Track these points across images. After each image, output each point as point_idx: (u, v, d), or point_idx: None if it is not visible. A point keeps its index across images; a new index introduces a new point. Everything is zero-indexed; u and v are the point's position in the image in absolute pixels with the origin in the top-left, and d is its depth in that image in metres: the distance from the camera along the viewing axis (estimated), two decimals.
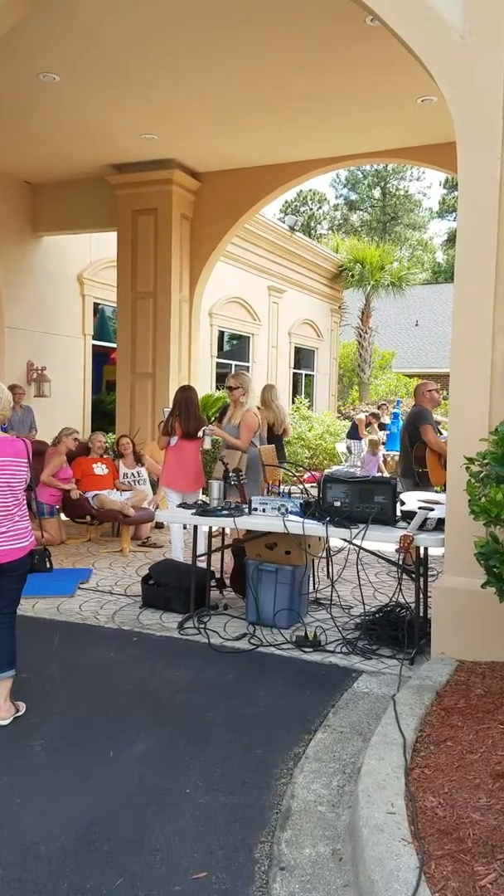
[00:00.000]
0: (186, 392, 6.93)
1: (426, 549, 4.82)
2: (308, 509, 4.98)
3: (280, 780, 3.07)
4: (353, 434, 13.89)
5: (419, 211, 45.50)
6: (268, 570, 5.13)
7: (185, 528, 6.80)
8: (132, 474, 8.24)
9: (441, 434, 6.76)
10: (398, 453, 7.45)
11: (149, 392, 9.70)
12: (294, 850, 2.58)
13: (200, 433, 6.60)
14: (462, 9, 4.18)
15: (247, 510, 5.21)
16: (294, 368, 17.97)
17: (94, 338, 12.04)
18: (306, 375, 18.91)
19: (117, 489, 7.96)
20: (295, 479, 9.54)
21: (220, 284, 13.37)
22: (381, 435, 13.21)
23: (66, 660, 4.45)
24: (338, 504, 4.86)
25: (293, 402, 16.50)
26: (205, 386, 13.24)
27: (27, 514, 3.76)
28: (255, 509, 5.15)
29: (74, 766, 3.18)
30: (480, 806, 2.56)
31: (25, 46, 6.27)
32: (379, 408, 15.59)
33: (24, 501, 3.73)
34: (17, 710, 3.65)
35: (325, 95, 7.20)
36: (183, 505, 5.94)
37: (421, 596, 4.74)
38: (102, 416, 11.93)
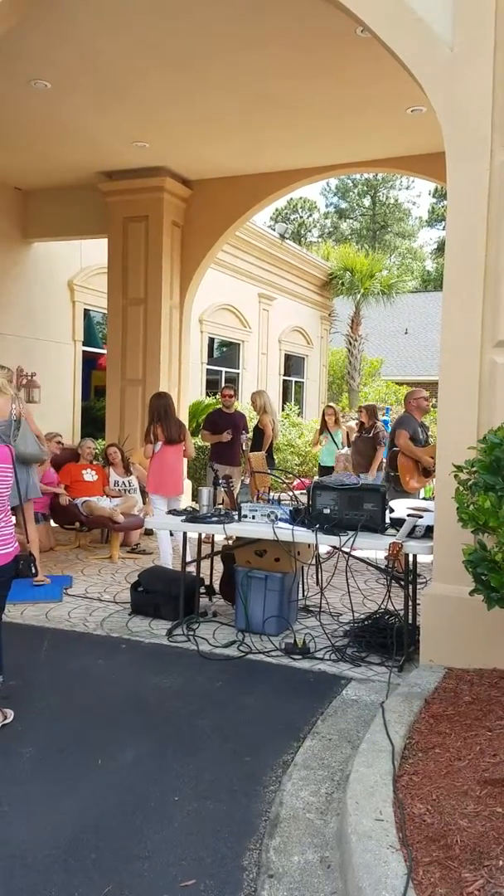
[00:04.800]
0: (164, 399, 7.02)
1: (415, 556, 4.85)
2: (297, 516, 5.00)
3: (269, 787, 3.07)
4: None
5: (409, 220, 45.76)
6: (257, 577, 5.13)
7: (171, 534, 6.83)
8: (123, 482, 8.22)
9: (424, 442, 6.86)
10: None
11: (139, 398, 9.70)
12: (282, 857, 2.58)
13: None
14: (451, 21, 4.22)
15: (236, 517, 5.21)
16: (284, 375, 18.01)
17: (83, 343, 12.03)
18: (296, 382, 18.95)
19: (107, 496, 7.94)
20: (284, 485, 9.55)
21: (210, 291, 13.40)
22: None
23: (54, 667, 4.43)
24: (327, 511, 4.88)
25: (283, 409, 16.53)
26: (195, 392, 13.25)
27: (11, 519, 3.76)
28: (245, 516, 5.15)
29: (62, 773, 3.16)
30: (468, 813, 2.57)
31: (17, 53, 6.28)
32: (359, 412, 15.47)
33: (9, 507, 3.73)
34: (5, 718, 3.63)
35: (316, 105, 7.24)
36: (173, 512, 5.94)
37: (410, 603, 4.75)
38: (92, 422, 11.92)
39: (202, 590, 5.79)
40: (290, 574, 5.18)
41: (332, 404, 10.37)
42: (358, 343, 21.35)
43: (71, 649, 4.75)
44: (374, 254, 22.73)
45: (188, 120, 7.67)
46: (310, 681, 4.29)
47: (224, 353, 15.88)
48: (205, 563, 6.02)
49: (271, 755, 3.35)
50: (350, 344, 21.48)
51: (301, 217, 44.34)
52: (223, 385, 9.25)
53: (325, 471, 9.10)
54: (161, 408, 6.86)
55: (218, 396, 11.21)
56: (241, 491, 8.54)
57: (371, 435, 8.64)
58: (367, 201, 45.24)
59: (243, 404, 12.73)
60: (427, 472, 6.66)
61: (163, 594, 5.43)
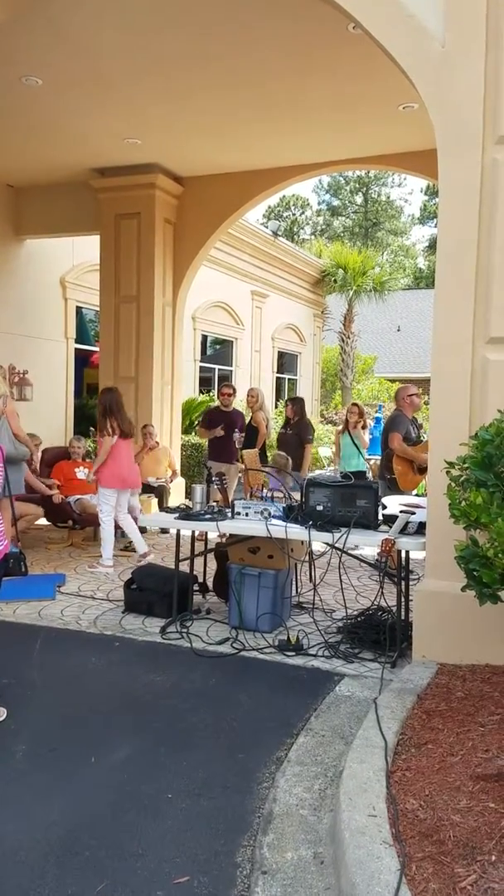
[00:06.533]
0: (114, 393, 7.10)
1: (407, 552, 4.86)
2: (291, 513, 5.00)
3: (262, 784, 3.08)
4: None
5: (401, 217, 45.81)
6: (251, 575, 5.14)
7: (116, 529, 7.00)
8: None
9: (417, 439, 6.84)
10: (380, 458, 7.50)
11: (132, 396, 9.67)
12: (276, 853, 2.59)
13: None
14: (443, 17, 4.22)
15: (230, 514, 5.21)
16: (277, 373, 18.01)
17: (75, 341, 12.01)
18: (289, 380, 18.96)
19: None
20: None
21: (203, 289, 13.38)
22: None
23: (47, 665, 4.43)
24: (320, 508, 4.88)
25: (276, 407, 16.54)
26: (188, 390, 13.24)
27: (1, 518, 3.75)
28: (238, 513, 5.16)
29: (56, 772, 3.16)
30: (461, 808, 2.58)
31: (7, 50, 6.24)
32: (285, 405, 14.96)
33: None
34: None
35: (308, 102, 7.24)
36: (166, 509, 5.94)
37: (402, 599, 4.77)
38: (86, 420, 11.89)
39: (196, 587, 5.79)
40: (283, 571, 5.19)
41: (357, 402, 9.83)
42: (350, 340, 21.37)
43: (64, 647, 4.75)
44: (366, 251, 22.73)
45: (180, 117, 7.66)
46: (303, 677, 4.30)
47: (217, 351, 15.87)
48: (198, 561, 6.02)
49: (265, 752, 3.35)
50: (343, 341, 21.50)
51: (293, 214, 44.32)
52: (223, 383, 9.23)
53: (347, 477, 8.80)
54: (112, 402, 6.93)
55: (213, 394, 11.20)
56: (238, 488, 8.55)
57: (294, 432, 8.20)
58: (359, 198, 45.27)
59: (237, 401, 12.72)
60: (423, 470, 6.63)
61: (156, 592, 5.43)
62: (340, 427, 8.96)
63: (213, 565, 6.07)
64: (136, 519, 7.25)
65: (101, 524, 6.88)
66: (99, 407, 7.03)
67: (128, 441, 6.99)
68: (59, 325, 11.61)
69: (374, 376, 23.82)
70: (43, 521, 8.33)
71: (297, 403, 8.54)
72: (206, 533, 6.44)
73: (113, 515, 6.88)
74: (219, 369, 15.57)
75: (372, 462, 12.36)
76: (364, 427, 8.56)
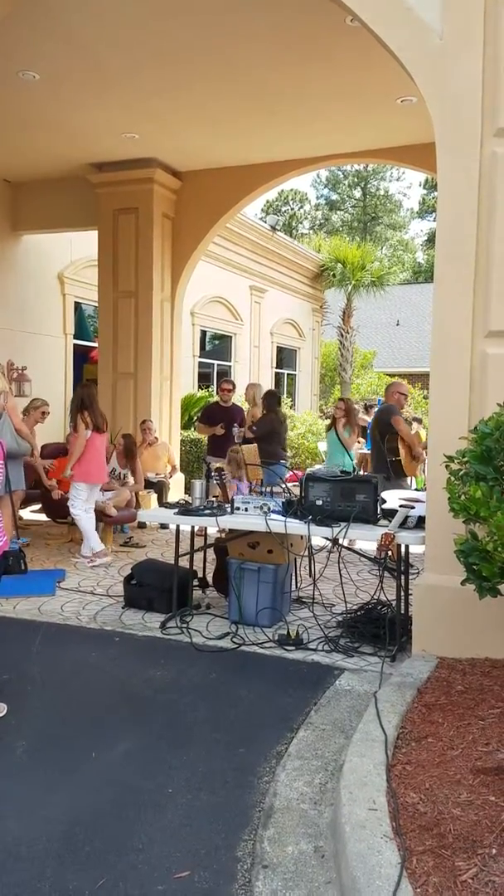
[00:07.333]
0: (88, 388, 7.19)
1: (407, 546, 4.86)
2: (290, 508, 5.00)
3: (262, 778, 3.08)
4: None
5: (399, 211, 45.72)
6: (250, 569, 5.14)
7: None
8: (122, 474, 8.19)
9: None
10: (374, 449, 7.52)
11: (130, 391, 9.68)
12: (277, 847, 2.59)
13: None
14: (441, 10, 4.20)
15: (229, 509, 5.21)
16: (276, 368, 17.99)
17: (74, 337, 11.98)
18: (288, 375, 18.94)
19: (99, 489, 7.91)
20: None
21: (201, 284, 13.35)
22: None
23: (47, 661, 4.43)
24: (319, 503, 4.88)
25: None
26: (187, 386, 13.23)
27: (0, 515, 3.74)
28: (238, 508, 5.15)
29: (56, 767, 3.16)
30: (461, 801, 2.58)
31: (5, 44, 6.22)
32: (367, 408, 14.92)
33: None
34: None
35: (306, 96, 7.22)
36: (166, 504, 5.93)
37: (402, 593, 4.77)
38: None
39: (195, 582, 5.79)
40: (283, 565, 5.19)
41: (344, 398, 9.66)
42: (350, 335, 21.32)
43: (64, 643, 4.75)
44: (365, 245, 22.67)
45: (178, 111, 7.63)
46: (303, 672, 4.30)
47: (216, 346, 15.85)
48: (198, 556, 6.02)
49: (265, 746, 3.35)
50: (342, 336, 21.45)
51: (292, 209, 44.22)
52: (222, 379, 9.17)
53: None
54: (86, 396, 6.96)
55: (213, 389, 11.15)
56: None
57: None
58: (357, 193, 45.17)
59: (236, 395, 12.73)
60: (414, 457, 6.89)
61: (156, 587, 5.43)
62: (328, 423, 8.89)
63: (212, 559, 6.07)
64: (108, 515, 7.32)
65: (77, 519, 6.87)
66: (74, 401, 7.05)
67: (101, 436, 7.00)
68: (58, 320, 11.59)
69: (374, 371, 23.78)
70: (43, 518, 8.35)
71: (265, 398, 8.45)
72: (206, 528, 6.44)
73: (85, 508, 6.89)
74: (218, 365, 15.55)
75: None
76: (357, 425, 8.44)
